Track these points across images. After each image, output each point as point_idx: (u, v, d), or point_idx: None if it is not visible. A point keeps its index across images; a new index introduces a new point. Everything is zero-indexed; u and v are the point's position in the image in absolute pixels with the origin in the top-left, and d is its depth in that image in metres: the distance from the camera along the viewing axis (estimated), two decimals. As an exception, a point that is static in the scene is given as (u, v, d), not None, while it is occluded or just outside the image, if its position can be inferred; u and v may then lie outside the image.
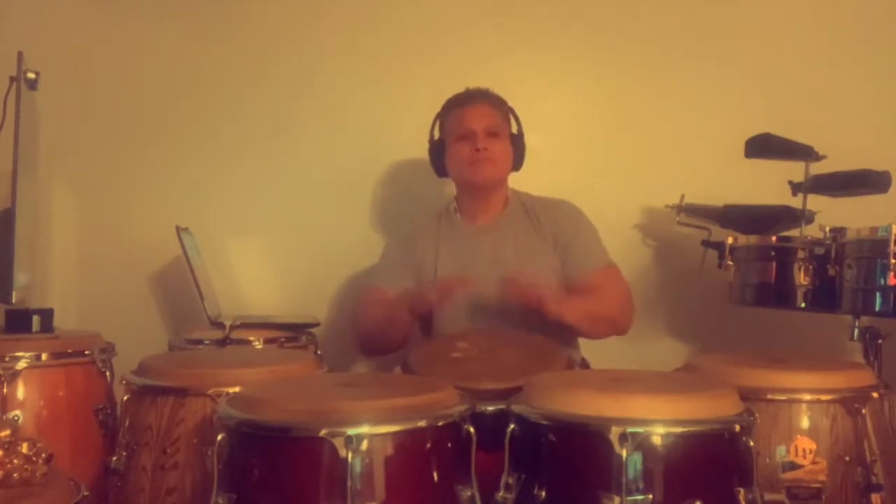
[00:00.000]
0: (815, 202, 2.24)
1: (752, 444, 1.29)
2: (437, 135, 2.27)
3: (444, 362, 1.77)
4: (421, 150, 2.62)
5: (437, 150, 2.25)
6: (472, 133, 2.15)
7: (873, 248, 1.86)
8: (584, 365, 2.07)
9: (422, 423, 1.26)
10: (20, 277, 1.98)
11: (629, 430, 1.21)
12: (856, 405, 1.54)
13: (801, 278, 2.10)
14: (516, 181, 2.30)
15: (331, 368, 1.82)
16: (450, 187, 2.41)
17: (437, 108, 2.31)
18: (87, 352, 1.87)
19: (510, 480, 1.32)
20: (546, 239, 2.18)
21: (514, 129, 2.24)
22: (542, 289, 1.95)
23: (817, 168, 2.23)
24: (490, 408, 1.44)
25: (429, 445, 1.27)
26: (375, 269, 2.32)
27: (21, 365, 1.75)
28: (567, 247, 2.17)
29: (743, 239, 2.25)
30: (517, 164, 2.24)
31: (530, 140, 2.26)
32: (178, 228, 2.30)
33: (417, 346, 1.95)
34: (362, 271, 2.65)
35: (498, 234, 2.20)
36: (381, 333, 2.13)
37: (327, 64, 2.72)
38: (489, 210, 2.24)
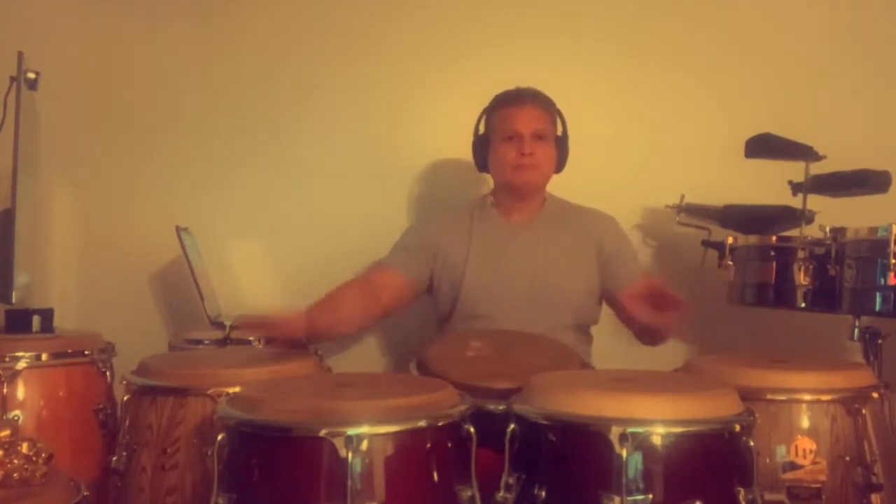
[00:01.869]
0: (815, 202, 2.24)
1: (752, 444, 1.29)
2: (482, 130, 2.24)
3: (458, 361, 1.77)
4: (425, 151, 2.63)
5: (481, 146, 2.23)
6: (519, 136, 2.13)
7: (873, 248, 1.86)
8: (586, 366, 2.07)
9: (422, 423, 1.26)
10: (20, 277, 1.98)
11: (629, 430, 1.21)
12: (856, 405, 1.54)
13: (801, 278, 2.10)
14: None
15: (331, 368, 1.82)
16: (455, 188, 2.41)
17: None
18: (87, 352, 1.88)
19: (510, 480, 1.32)
20: (582, 245, 2.18)
21: (559, 131, 2.22)
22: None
23: (817, 168, 2.23)
24: (501, 407, 1.43)
25: (429, 445, 1.27)
26: (391, 250, 2.29)
27: (21, 365, 1.75)
28: (612, 258, 2.18)
29: (743, 239, 2.26)
30: (560, 166, 2.22)
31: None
32: (178, 228, 2.30)
33: (432, 343, 1.95)
34: (363, 271, 2.66)
35: (532, 234, 2.20)
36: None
37: (329, 64, 2.72)
38: (526, 209, 2.23)
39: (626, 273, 2.18)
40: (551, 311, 2.10)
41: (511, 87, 2.22)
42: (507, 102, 2.18)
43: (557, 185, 2.31)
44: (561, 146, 2.21)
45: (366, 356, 2.65)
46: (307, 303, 2.57)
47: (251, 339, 2.19)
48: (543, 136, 2.15)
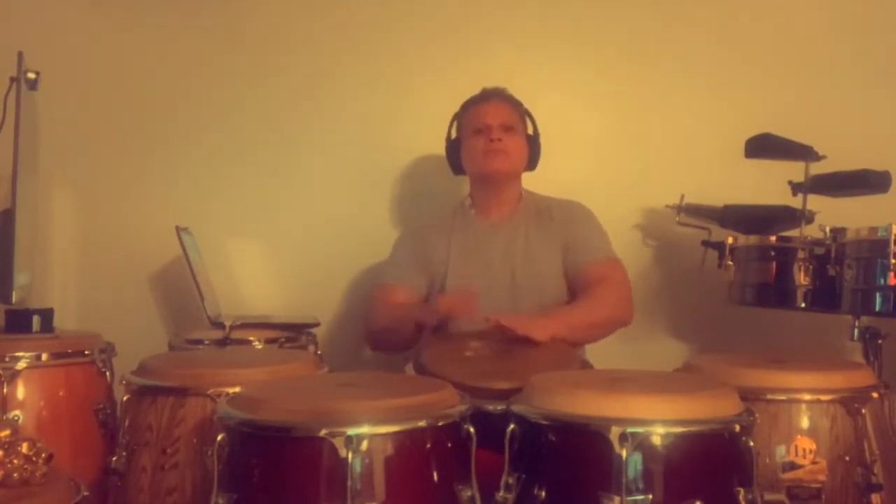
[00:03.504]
0: (815, 202, 2.24)
1: (752, 444, 1.29)
2: (454, 135, 2.31)
3: (457, 361, 1.77)
4: (423, 150, 2.63)
5: (454, 149, 2.29)
6: (488, 126, 2.18)
7: (873, 248, 1.86)
8: (586, 365, 2.07)
9: (422, 423, 1.26)
10: (20, 277, 1.98)
11: (629, 430, 1.21)
12: (856, 405, 1.54)
13: (801, 278, 2.10)
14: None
15: (331, 368, 1.82)
16: (453, 186, 2.41)
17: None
18: (87, 352, 1.87)
19: (510, 480, 1.32)
20: (556, 237, 2.18)
21: (531, 131, 2.27)
22: (523, 322, 1.89)
23: (817, 168, 2.23)
24: (500, 407, 1.43)
25: (429, 445, 1.27)
26: (386, 265, 2.33)
27: (21, 365, 1.75)
28: (570, 241, 2.17)
29: (743, 239, 2.25)
30: (532, 163, 2.27)
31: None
32: (178, 228, 2.30)
33: (430, 344, 1.95)
34: (363, 271, 2.66)
35: (510, 231, 2.21)
36: (390, 335, 2.16)
37: (328, 63, 2.72)
38: (502, 206, 2.25)
39: (579, 254, 2.15)
40: (535, 306, 2.11)
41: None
42: (475, 102, 2.26)
43: (559, 185, 2.31)
44: (532, 144, 2.25)
45: (365, 356, 2.65)
46: (307, 302, 2.60)
47: (251, 339, 2.19)
48: (512, 127, 2.20)
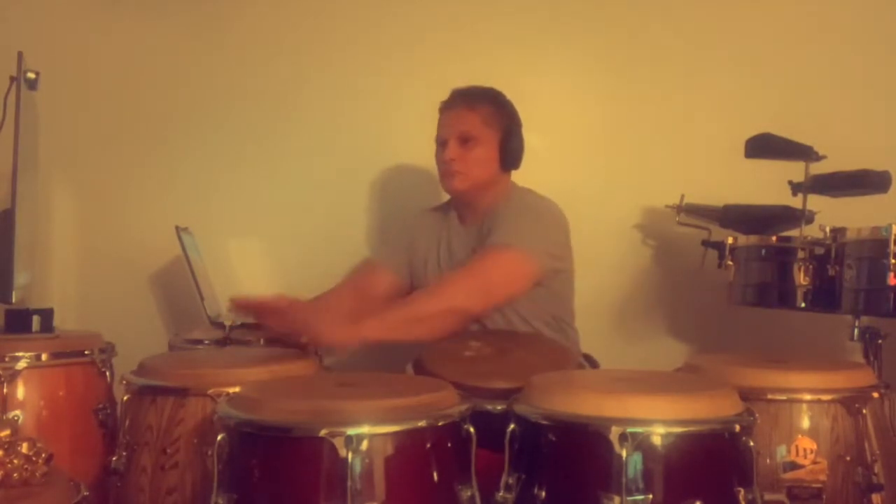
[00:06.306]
0: (815, 202, 2.24)
1: (752, 444, 1.29)
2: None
3: (456, 361, 1.77)
4: (424, 149, 2.63)
5: None
6: (445, 141, 2.11)
7: (873, 248, 1.86)
8: (594, 364, 2.07)
9: (422, 423, 1.26)
10: (20, 277, 1.98)
11: (629, 430, 1.21)
12: (856, 405, 1.55)
13: (801, 278, 2.10)
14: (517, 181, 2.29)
15: (331, 368, 1.82)
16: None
17: (436, 107, 2.31)
18: (87, 352, 1.87)
19: (510, 480, 1.32)
20: None
21: (503, 127, 2.11)
22: (307, 318, 1.76)
23: (817, 168, 2.23)
24: (499, 407, 1.43)
25: (429, 445, 1.27)
26: (380, 244, 2.34)
27: (21, 365, 1.75)
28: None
29: (743, 239, 2.25)
30: (508, 163, 2.12)
31: (529, 140, 2.22)
32: (178, 228, 2.30)
33: (430, 344, 1.94)
34: (353, 270, 2.66)
35: (482, 237, 2.12)
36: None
37: (327, 63, 2.72)
38: (478, 213, 2.17)
39: (491, 235, 2.01)
40: (508, 314, 2.05)
41: (505, 87, 2.21)
42: (442, 108, 2.15)
43: (559, 185, 2.31)
44: (507, 141, 2.10)
45: (364, 357, 2.64)
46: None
47: (251, 339, 2.19)
48: (470, 137, 2.07)
